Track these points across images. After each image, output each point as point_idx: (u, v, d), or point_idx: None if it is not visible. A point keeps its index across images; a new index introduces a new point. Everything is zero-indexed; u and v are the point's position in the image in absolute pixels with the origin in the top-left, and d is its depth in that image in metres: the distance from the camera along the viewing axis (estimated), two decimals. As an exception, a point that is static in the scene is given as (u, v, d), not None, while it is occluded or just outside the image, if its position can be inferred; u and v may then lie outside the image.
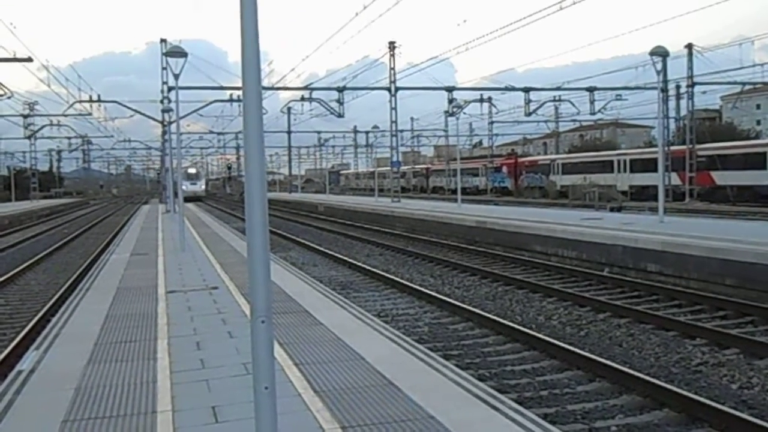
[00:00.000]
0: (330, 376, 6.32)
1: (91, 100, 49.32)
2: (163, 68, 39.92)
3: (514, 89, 48.46)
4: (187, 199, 56.62)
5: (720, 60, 60.24)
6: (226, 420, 5.25)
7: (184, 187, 74.16)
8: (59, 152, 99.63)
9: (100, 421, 5.33)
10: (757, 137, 67.03)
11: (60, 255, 24.73)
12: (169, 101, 38.61)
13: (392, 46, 44.34)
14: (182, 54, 18.68)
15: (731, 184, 42.58)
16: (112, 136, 79.45)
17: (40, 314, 12.55)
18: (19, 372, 6.73)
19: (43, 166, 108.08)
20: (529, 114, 50.47)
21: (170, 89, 38.45)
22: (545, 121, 69.34)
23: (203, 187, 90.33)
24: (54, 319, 9.64)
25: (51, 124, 65.60)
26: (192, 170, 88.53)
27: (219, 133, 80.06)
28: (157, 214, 37.21)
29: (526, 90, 48.33)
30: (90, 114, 55.78)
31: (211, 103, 49.38)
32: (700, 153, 45.18)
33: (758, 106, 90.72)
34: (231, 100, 47.80)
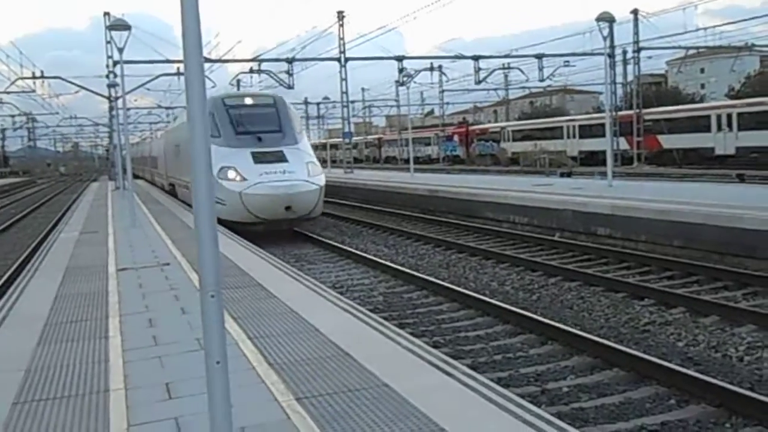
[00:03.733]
0: (284, 349, 6.32)
1: (34, 77, 48.04)
2: (108, 42, 38.95)
3: (463, 57, 48.46)
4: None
5: (665, 25, 60.94)
6: (180, 396, 5.23)
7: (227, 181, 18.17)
8: (3, 131, 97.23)
9: (52, 402, 5.26)
10: (701, 101, 68.15)
11: (7, 235, 24.23)
12: (115, 76, 37.80)
13: (341, 15, 44.02)
14: (126, 27, 18.29)
15: (678, 147, 43.35)
16: (57, 113, 77.18)
17: (-12, 296, 12.30)
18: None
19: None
20: (479, 82, 50.37)
21: (115, 63, 37.57)
22: (495, 89, 69.50)
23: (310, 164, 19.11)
24: (2, 301, 9.44)
25: (-7, 102, 63.86)
26: (259, 100, 20.51)
27: (167, 108, 78.40)
28: (107, 192, 36.58)
29: (476, 58, 48.30)
30: (33, 91, 54.30)
31: (158, 77, 48.29)
32: (647, 117, 45.81)
33: (702, 70, 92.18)
34: (178, 74, 46.77)
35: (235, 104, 19.96)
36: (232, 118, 19.31)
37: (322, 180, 18.74)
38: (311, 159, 19.36)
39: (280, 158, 18.30)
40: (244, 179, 17.71)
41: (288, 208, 17.58)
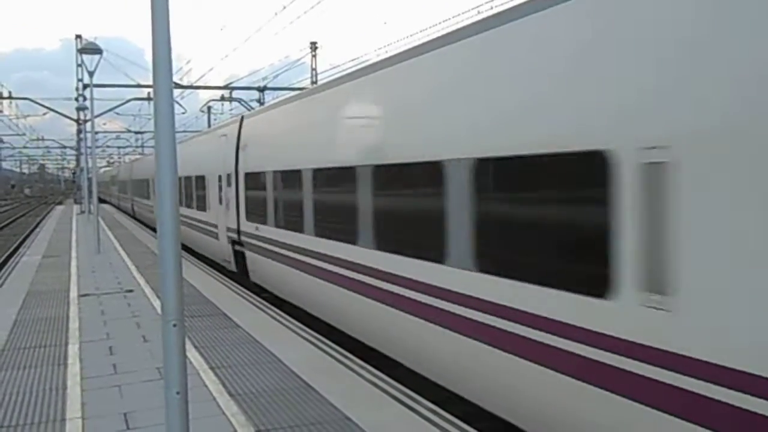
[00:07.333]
0: (246, 380, 6.25)
1: (1, 97, 47.50)
2: (78, 65, 38.80)
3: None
4: None
5: None
6: (138, 427, 5.14)
7: None
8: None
9: (6, 430, 5.14)
10: None
11: (-33, 258, 23.75)
12: (84, 99, 37.51)
13: (314, 46, 44.20)
14: (97, 51, 18.23)
15: None
16: (24, 135, 76.27)
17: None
18: None
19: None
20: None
21: (85, 87, 37.32)
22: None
23: None
24: (-42, 325, 9.25)
25: (-42, 122, 62.84)
26: None
27: (137, 132, 77.78)
28: (72, 215, 36.17)
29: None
30: (0, 111, 53.68)
31: (128, 101, 47.97)
32: None
33: None
34: (148, 99, 46.56)
35: None
36: None
37: None
38: None
39: None
40: None
41: None
